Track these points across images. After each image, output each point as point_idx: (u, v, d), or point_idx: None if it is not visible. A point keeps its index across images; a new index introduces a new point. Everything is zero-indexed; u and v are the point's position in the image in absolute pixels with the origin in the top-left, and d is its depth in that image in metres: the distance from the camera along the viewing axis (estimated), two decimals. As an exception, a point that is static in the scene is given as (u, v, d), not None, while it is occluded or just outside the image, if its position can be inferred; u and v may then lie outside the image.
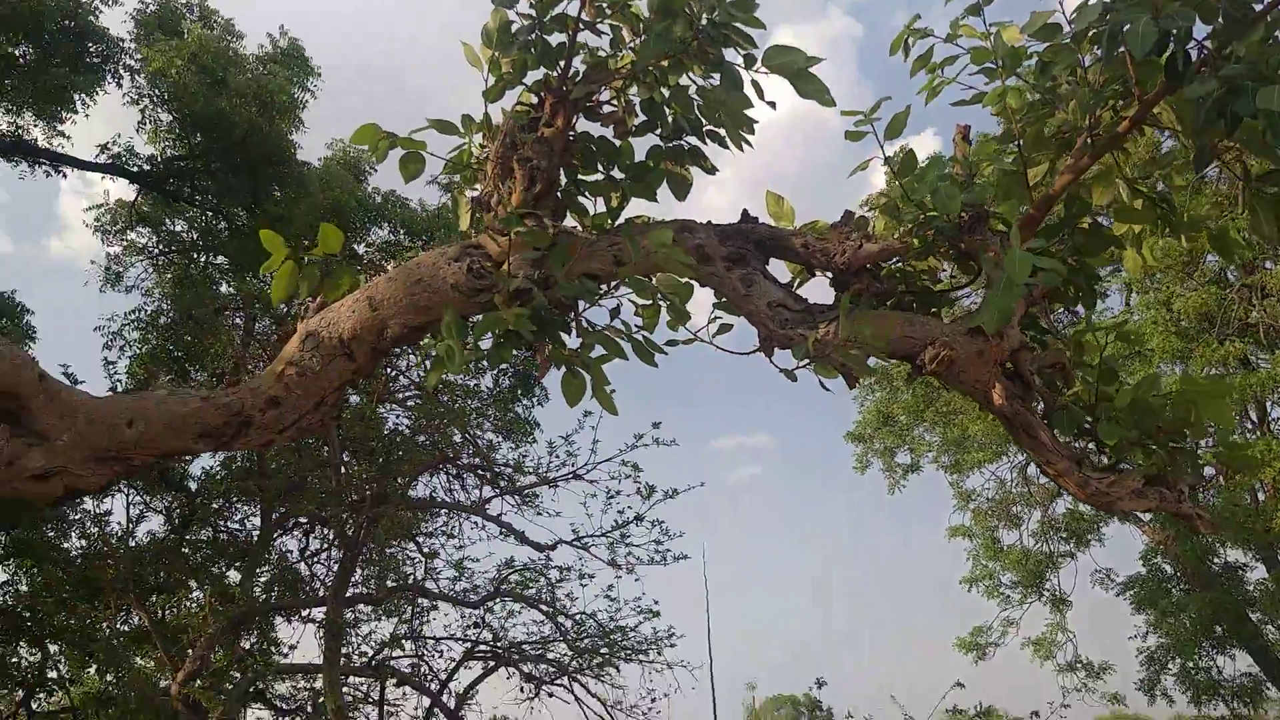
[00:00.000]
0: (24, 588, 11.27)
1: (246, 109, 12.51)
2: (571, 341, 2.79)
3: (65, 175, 13.67)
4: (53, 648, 11.37)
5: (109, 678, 11.29)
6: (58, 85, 12.06)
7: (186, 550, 11.97)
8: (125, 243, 14.19)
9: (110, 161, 13.31)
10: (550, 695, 12.24)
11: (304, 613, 12.18)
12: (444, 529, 12.82)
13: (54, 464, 2.72)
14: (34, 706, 11.72)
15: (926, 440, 19.65)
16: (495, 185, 2.92)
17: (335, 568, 11.71)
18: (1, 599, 11.07)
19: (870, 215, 3.02)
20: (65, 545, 11.52)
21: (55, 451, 2.73)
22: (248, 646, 11.92)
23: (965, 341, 2.62)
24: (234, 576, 11.95)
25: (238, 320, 12.50)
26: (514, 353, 2.78)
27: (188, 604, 11.80)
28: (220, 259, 14.23)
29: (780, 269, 3.06)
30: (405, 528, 11.96)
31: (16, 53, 11.95)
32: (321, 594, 11.87)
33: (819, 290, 11.03)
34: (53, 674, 11.51)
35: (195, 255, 14.28)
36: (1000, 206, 2.89)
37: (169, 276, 13.62)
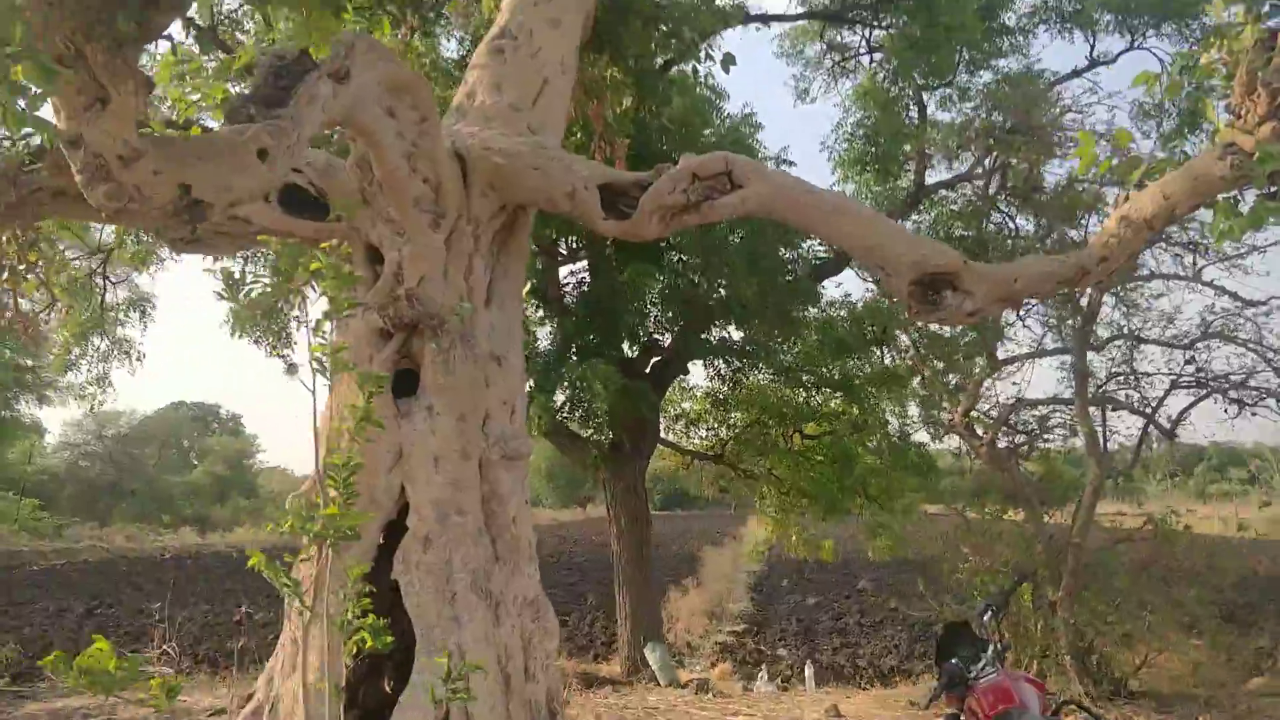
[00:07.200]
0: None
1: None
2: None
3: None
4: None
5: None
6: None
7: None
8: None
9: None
10: (1254, 415, 13.10)
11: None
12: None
13: (977, 307, 4.97)
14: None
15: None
16: (1242, 99, 4.35)
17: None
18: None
19: None
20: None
21: (976, 299, 4.96)
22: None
23: None
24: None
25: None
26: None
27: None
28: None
29: None
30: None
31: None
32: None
33: None
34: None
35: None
36: None
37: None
